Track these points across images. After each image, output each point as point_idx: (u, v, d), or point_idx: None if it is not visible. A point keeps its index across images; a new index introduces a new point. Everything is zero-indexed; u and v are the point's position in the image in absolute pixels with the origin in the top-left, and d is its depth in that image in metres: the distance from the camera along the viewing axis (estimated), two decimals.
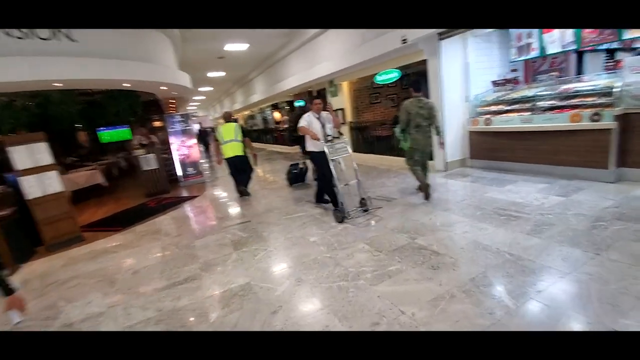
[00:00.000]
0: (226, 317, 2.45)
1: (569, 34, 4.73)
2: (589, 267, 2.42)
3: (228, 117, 6.34)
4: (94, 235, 4.97)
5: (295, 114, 7.38)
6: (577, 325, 1.91)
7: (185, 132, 8.40)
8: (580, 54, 6.03)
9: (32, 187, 4.39)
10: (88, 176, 7.62)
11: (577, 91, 4.49)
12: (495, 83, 5.82)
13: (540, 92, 4.92)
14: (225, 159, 5.98)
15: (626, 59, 4.06)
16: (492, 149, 5.53)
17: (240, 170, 6.12)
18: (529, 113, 4.91)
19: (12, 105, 7.50)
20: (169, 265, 3.56)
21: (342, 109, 9.13)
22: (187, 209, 6.13)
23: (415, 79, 6.13)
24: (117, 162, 10.27)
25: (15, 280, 3.45)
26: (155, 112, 11.02)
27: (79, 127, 10.17)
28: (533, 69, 6.40)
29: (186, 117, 8.52)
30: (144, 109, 10.19)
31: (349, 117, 9.11)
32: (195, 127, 15.65)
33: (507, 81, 5.70)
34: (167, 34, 7.85)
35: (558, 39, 4.90)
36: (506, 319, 2.01)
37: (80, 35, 5.79)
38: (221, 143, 5.94)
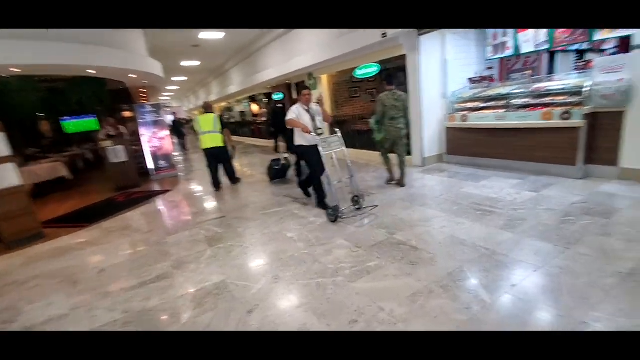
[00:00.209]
0: (199, 317, 2.34)
1: (542, 33, 4.87)
2: (560, 260, 2.50)
3: (208, 108, 6.18)
4: (56, 231, 4.65)
5: (272, 107, 7.22)
6: (550, 318, 1.95)
7: (157, 123, 8.04)
8: (552, 54, 6.24)
9: None
10: (50, 168, 7.14)
11: (549, 90, 4.63)
12: (471, 80, 5.93)
13: (514, 90, 5.04)
14: (204, 149, 5.84)
15: (596, 59, 4.21)
16: (468, 145, 5.64)
17: (220, 161, 6.00)
18: (504, 110, 5.03)
19: None
20: (138, 264, 3.37)
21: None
22: (159, 203, 5.87)
23: (389, 73, 6.18)
24: (83, 154, 9.73)
25: None
26: (125, 102, 10.44)
27: (41, 117, 9.53)
28: (507, 68, 6.57)
29: (158, 108, 8.14)
30: (113, 98, 9.67)
31: (329, 111, 9.02)
32: (169, 118, 15.09)
33: (483, 78, 5.82)
34: None
35: (532, 39, 5.03)
36: (482, 313, 2.03)
37: None
38: (199, 133, 5.81)
